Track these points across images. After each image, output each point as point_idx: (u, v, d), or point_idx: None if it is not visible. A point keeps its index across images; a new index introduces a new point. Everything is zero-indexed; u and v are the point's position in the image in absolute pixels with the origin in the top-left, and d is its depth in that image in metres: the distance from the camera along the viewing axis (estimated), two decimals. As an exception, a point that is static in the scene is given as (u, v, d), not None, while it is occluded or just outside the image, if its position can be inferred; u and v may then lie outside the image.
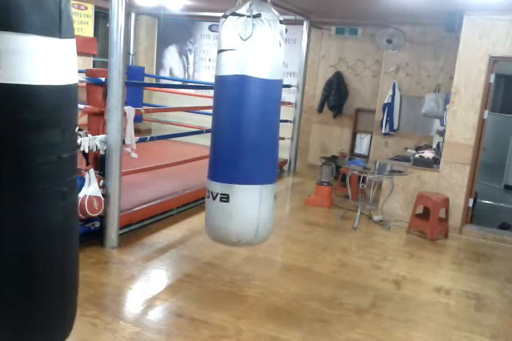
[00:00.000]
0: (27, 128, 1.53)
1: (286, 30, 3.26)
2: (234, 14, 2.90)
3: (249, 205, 3.04)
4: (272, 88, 3.04)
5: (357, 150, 8.12)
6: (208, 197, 3.14)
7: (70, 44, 1.63)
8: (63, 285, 1.79)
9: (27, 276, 1.64)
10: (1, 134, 1.50)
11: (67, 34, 1.60)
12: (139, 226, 4.65)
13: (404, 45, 7.28)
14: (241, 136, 2.99)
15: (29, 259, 1.63)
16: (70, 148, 1.69)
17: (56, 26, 1.54)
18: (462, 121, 5.32)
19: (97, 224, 4.12)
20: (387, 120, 7.36)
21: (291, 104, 7.77)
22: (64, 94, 1.62)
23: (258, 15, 2.86)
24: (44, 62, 1.53)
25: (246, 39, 2.86)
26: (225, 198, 3.01)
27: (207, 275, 3.79)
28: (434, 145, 6.16)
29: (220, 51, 3.00)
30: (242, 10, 2.90)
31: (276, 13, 3.02)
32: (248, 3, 2.89)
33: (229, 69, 2.96)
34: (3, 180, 1.54)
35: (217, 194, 3.05)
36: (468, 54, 5.22)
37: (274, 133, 3.17)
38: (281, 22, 3.00)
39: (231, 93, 2.99)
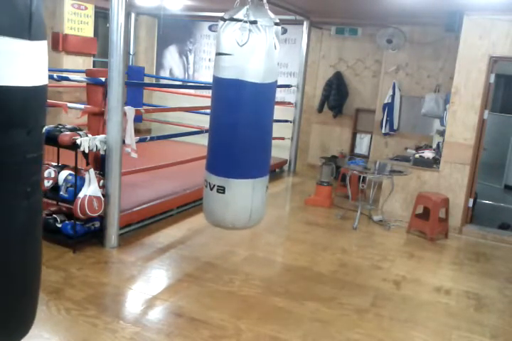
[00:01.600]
0: None
1: (286, 30, 3.31)
2: (231, 19, 2.98)
3: (243, 196, 3.28)
4: (266, 90, 3.19)
5: (357, 150, 8.11)
6: (206, 186, 3.36)
7: (40, 46, 1.62)
8: (23, 285, 1.76)
9: None
10: None
11: (38, 36, 1.59)
12: (139, 226, 4.65)
13: (404, 45, 7.27)
14: (236, 134, 3.17)
15: None
16: (35, 149, 1.68)
17: (25, 28, 1.53)
18: (462, 121, 5.32)
19: (97, 224, 4.13)
20: (387, 120, 7.35)
21: (291, 104, 7.76)
22: (31, 95, 1.61)
23: (254, 22, 2.94)
24: (12, 63, 1.52)
25: (242, 45, 2.96)
26: (221, 190, 3.24)
27: (207, 275, 3.79)
28: (434, 145, 6.16)
29: (217, 54, 3.12)
30: (240, 14, 2.96)
31: (273, 15, 3.07)
32: (245, 8, 2.94)
33: (226, 73, 3.09)
34: None
35: (215, 185, 3.27)
36: (469, 54, 5.22)
37: (268, 132, 3.34)
38: (277, 24, 3.06)
39: (228, 95, 3.15)
